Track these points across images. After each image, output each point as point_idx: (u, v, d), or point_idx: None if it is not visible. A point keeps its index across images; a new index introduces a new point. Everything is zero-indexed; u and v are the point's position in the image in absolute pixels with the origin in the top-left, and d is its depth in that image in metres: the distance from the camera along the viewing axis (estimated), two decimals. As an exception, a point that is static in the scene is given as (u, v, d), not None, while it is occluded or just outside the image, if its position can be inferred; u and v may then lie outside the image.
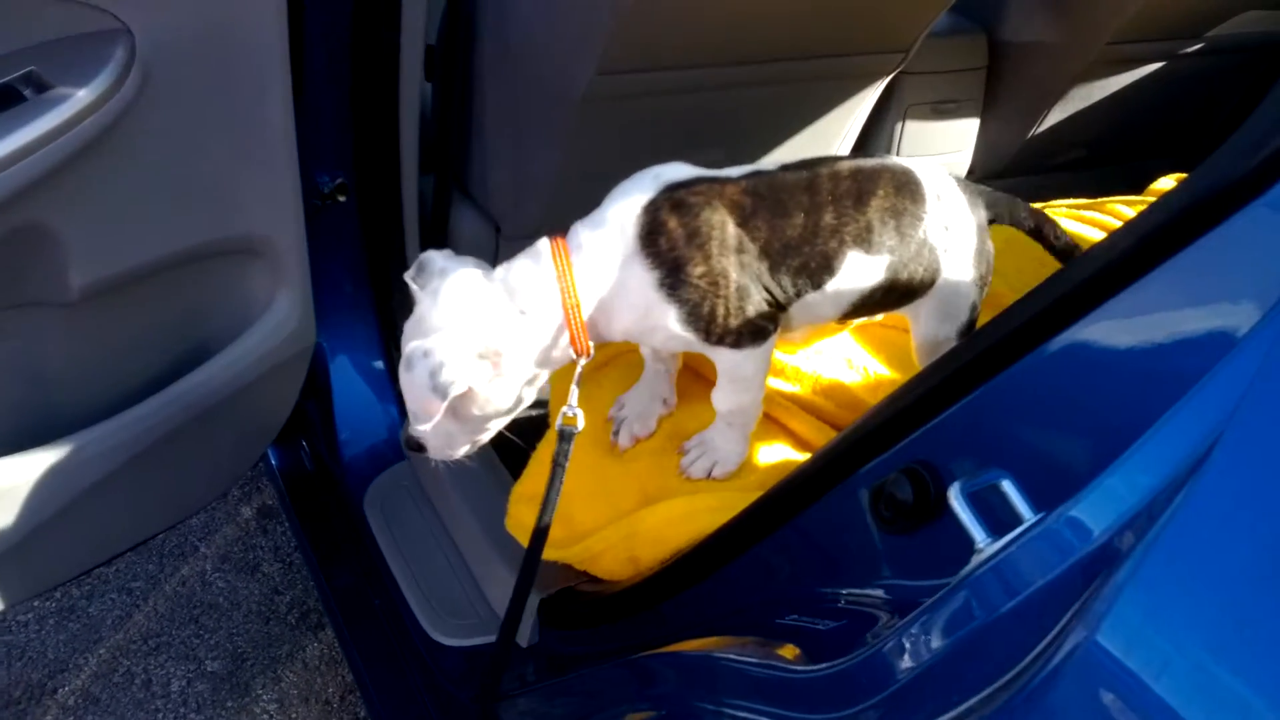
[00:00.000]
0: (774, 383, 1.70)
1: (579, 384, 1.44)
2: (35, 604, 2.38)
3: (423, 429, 1.43)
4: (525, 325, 1.40)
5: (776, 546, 1.27)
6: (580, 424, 1.43)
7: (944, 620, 0.86)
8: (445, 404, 1.32)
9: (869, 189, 1.44)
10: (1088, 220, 2.16)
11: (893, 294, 1.50)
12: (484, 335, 1.37)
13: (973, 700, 0.79)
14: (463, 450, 1.51)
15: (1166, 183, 2.42)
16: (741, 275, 1.37)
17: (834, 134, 2.32)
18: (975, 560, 0.85)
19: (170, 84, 1.51)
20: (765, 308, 1.41)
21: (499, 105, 2.11)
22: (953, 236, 1.50)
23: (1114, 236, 0.90)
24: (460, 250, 2.28)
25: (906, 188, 1.47)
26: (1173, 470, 0.75)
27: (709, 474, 1.56)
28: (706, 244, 1.35)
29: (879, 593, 1.07)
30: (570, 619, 1.69)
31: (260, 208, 1.74)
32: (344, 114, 2.05)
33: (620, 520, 1.57)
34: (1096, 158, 3.05)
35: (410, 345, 1.36)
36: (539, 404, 2.61)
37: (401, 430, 1.43)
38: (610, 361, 1.78)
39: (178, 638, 2.38)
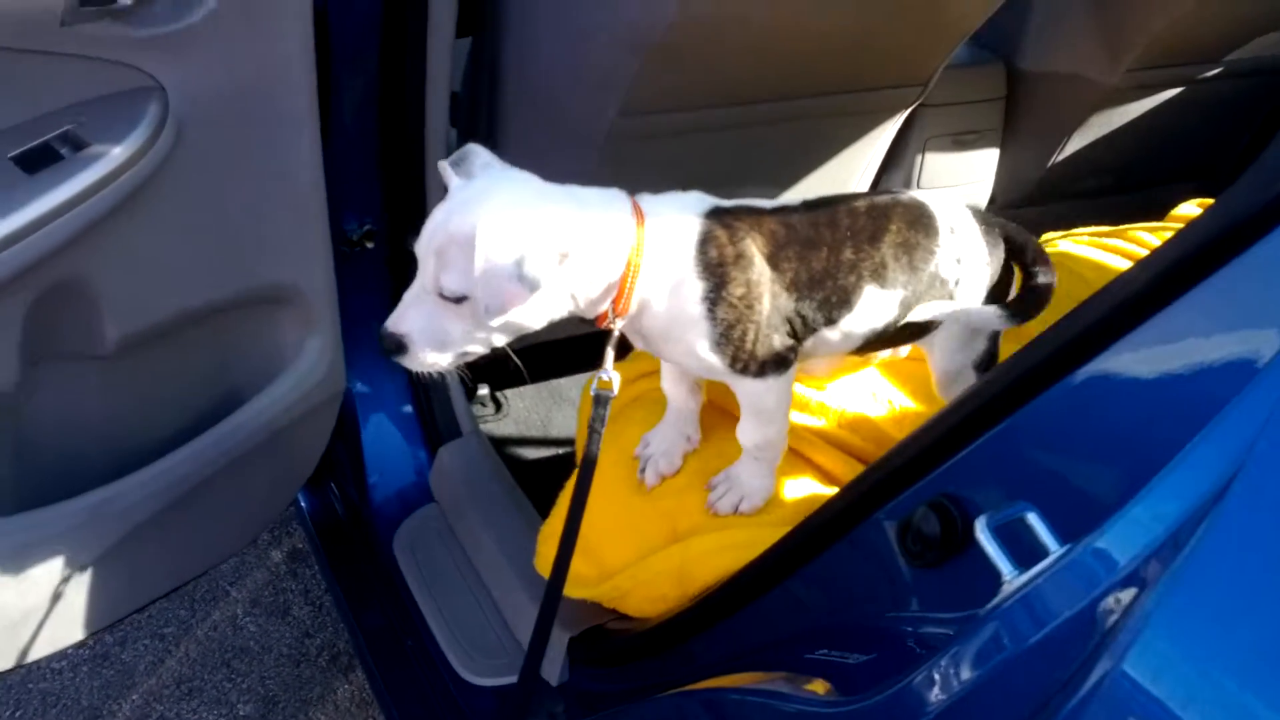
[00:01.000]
0: (799, 418, 1.71)
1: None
2: (69, 651, 2.40)
3: (410, 330, 1.32)
4: (596, 248, 1.32)
5: (805, 581, 1.27)
6: (615, 389, 1.36)
7: (973, 653, 0.87)
8: (531, 297, 1.24)
9: (883, 225, 1.46)
10: (1110, 248, 2.17)
11: (906, 329, 1.51)
12: (563, 236, 1.28)
13: (1004, 732, 0.79)
14: (449, 362, 1.37)
15: (1188, 209, 2.42)
16: (772, 304, 1.39)
17: (854, 168, 2.34)
18: (1003, 593, 0.86)
19: (202, 139, 1.54)
20: (789, 339, 1.43)
21: (523, 148, 2.13)
22: (965, 269, 1.52)
23: (1136, 268, 0.91)
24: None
25: (919, 222, 1.49)
26: (1197, 499, 0.75)
27: (736, 509, 1.57)
28: (749, 269, 1.36)
29: (908, 626, 1.07)
30: (600, 657, 1.69)
31: (290, 256, 1.77)
32: (371, 161, 2.08)
33: (649, 558, 1.58)
34: (1118, 185, 3.05)
35: (486, 224, 1.23)
36: (561, 441, 2.65)
37: (380, 327, 1.35)
38: (635, 400, 1.79)
39: (210, 682, 2.39)
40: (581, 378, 2.73)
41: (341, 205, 2.03)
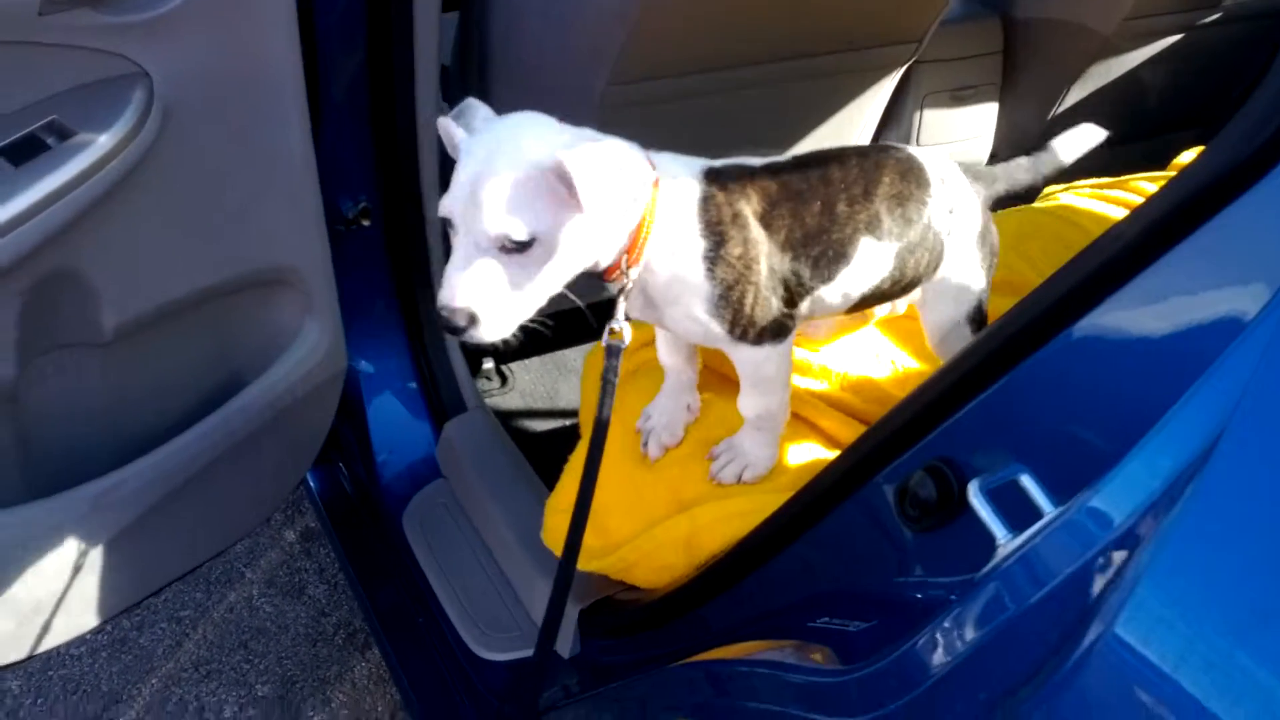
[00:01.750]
0: (802, 381, 1.71)
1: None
2: (88, 637, 2.42)
3: (477, 298, 1.20)
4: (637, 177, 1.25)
5: (808, 546, 1.27)
6: (627, 339, 1.31)
7: (970, 618, 0.86)
8: (633, 194, 1.20)
9: (875, 177, 1.44)
10: (1112, 200, 2.15)
11: (900, 282, 1.50)
12: (625, 153, 1.23)
13: (998, 697, 0.79)
14: (516, 323, 1.26)
15: (1189, 157, 2.40)
16: (769, 264, 1.37)
17: (852, 127, 2.32)
18: (997, 556, 0.86)
19: (190, 123, 1.53)
20: (786, 308, 1.42)
21: (515, 120, 2.12)
22: (957, 220, 1.51)
23: (1124, 223, 0.90)
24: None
25: (911, 173, 1.48)
26: (1190, 454, 0.75)
27: (739, 478, 1.56)
28: (745, 228, 1.35)
29: (908, 592, 1.07)
30: (610, 628, 1.70)
31: (285, 237, 1.77)
32: (363, 138, 2.07)
33: (654, 528, 1.58)
34: (1120, 136, 3.02)
35: (569, 154, 1.15)
36: (567, 413, 2.65)
37: (436, 307, 1.21)
38: (637, 370, 1.79)
39: (228, 664, 2.41)
40: (586, 348, 2.72)
41: (335, 184, 2.02)
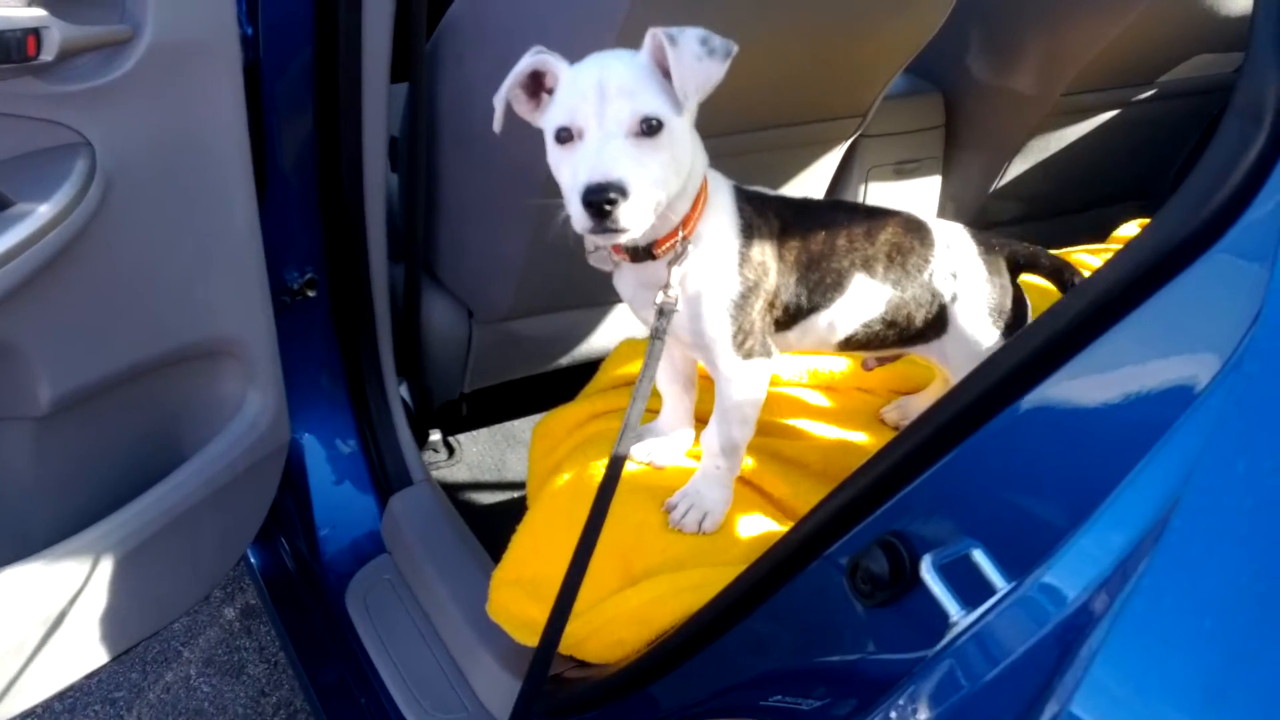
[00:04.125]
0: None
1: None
2: (18, 721, 2.34)
3: (627, 171, 1.24)
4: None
5: (761, 622, 1.26)
6: (681, 306, 1.39)
7: (923, 695, 0.85)
8: (726, 65, 1.26)
9: (879, 224, 1.54)
10: (1054, 272, 2.17)
11: (893, 329, 1.56)
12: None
13: (958, 777, 0.78)
14: (652, 209, 1.29)
15: (1129, 229, 2.45)
16: (776, 279, 1.47)
17: (798, 200, 2.34)
18: (951, 633, 0.85)
19: (133, 193, 1.51)
20: (784, 324, 1.51)
21: (465, 190, 2.12)
22: (962, 285, 1.56)
23: (1071, 296, 0.91)
24: (434, 338, 2.30)
25: (915, 230, 1.57)
26: (1143, 528, 0.75)
27: (700, 527, 1.57)
28: (765, 240, 1.46)
29: (863, 668, 1.05)
30: (559, 707, 1.66)
31: (228, 309, 1.74)
32: (310, 209, 2.06)
33: (604, 602, 1.56)
34: (1060, 208, 3.08)
35: (665, 31, 1.25)
36: (515, 485, 2.62)
37: (585, 186, 1.23)
38: (588, 440, 1.78)
39: (165, 746, 2.33)
40: (535, 418, 2.70)
41: (281, 254, 2.00)
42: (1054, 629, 0.75)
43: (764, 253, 1.45)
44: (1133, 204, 3.09)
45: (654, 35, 1.26)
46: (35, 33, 1.33)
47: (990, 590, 0.86)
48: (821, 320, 1.53)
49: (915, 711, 0.85)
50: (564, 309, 2.35)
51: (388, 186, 2.08)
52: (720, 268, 1.43)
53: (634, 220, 1.26)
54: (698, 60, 1.24)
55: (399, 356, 2.28)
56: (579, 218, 1.25)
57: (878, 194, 2.75)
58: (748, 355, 1.48)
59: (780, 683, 1.16)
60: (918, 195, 2.84)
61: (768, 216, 1.48)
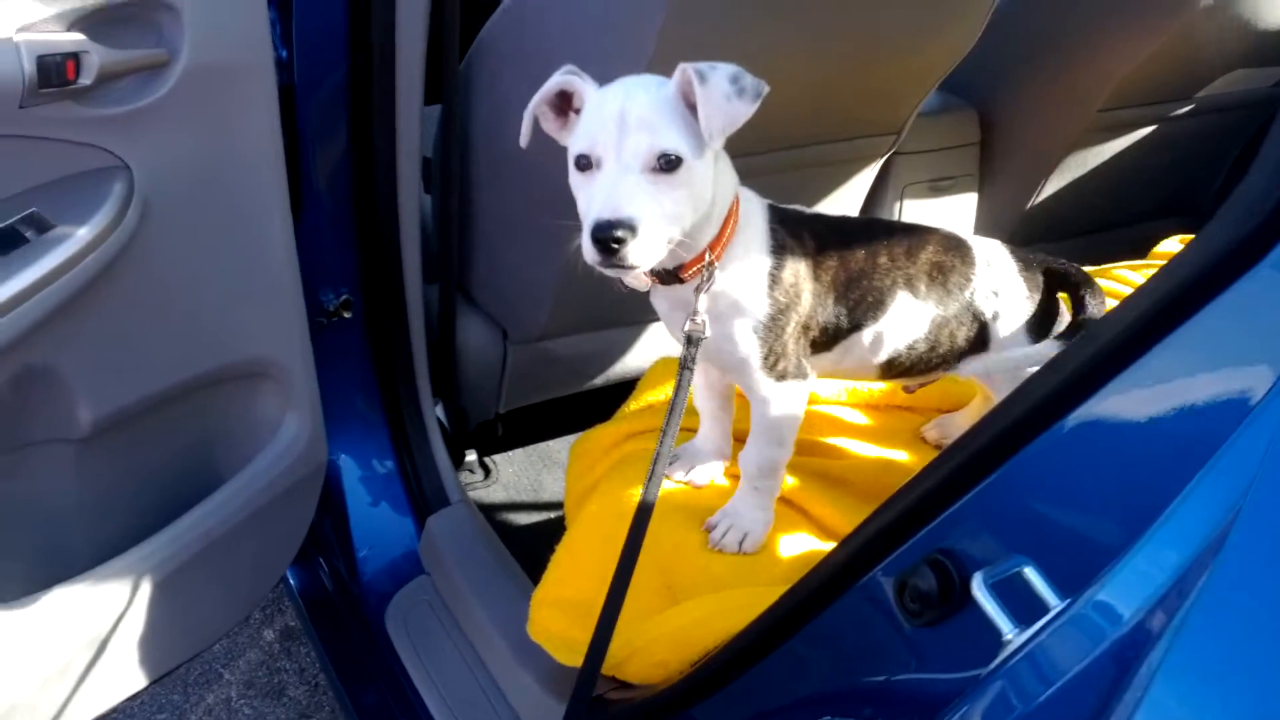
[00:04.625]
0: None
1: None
2: (58, 744, 2.34)
3: (638, 209, 1.22)
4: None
5: (806, 642, 1.24)
6: (708, 332, 1.35)
7: (979, 716, 0.84)
8: (755, 106, 1.23)
9: (919, 243, 1.53)
10: (1094, 288, 2.15)
11: (935, 350, 1.55)
12: None
13: (1014, 799, 0.76)
14: (663, 247, 1.28)
15: (1170, 245, 2.42)
16: (811, 301, 1.45)
17: (833, 218, 2.33)
18: (1004, 652, 0.83)
19: (170, 216, 1.52)
20: (823, 345, 1.50)
21: (499, 211, 2.13)
22: (1003, 303, 1.55)
23: (1119, 310, 0.89)
24: (469, 358, 2.30)
25: (956, 249, 1.55)
26: (1199, 544, 0.73)
27: (740, 546, 1.56)
28: (799, 261, 1.44)
29: (912, 689, 1.04)
30: (599, 729, 1.65)
31: (265, 331, 1.75)
32: (345, 231, 2.07)
33: (646, 623, 1.54)
34: (1098, 224, 3.05)
35: (694, 67, 1.23)
36: (551, 505, 2.61)
37: (595, 223, 1.22)
38: (623, 460, 1.77)
39: (205, 769, 2.33)
40: (571, 439, 2.70)
41: (317, 276, 2.01)
42: (1110, 647, 0.74)
43: (797, 274, 1.43)
44: (1172, 220, 3.06)
45: (683, 71, 1.24)
46: (75, 57, 1.34)
47: (1044, 608, 0.84)
48: (865, 338, 1.51)
49: (971, 731, 0.83)
50: (599, 328, 2.35)
51: (421, 208, 2.09)
52: (749, 290, 1.42)
53: (642, 258, 1.25)
54: (726, 100, 1.22)
55: (434, 377, 2.28)
56: (588, 250, 1.24)
57: (913, 211, 2.73)
58: (780, 377, 1.46)
59: (828, 703, 1.14)
60: (953, 213, 2.82)
61: (802, 237, 1.46)
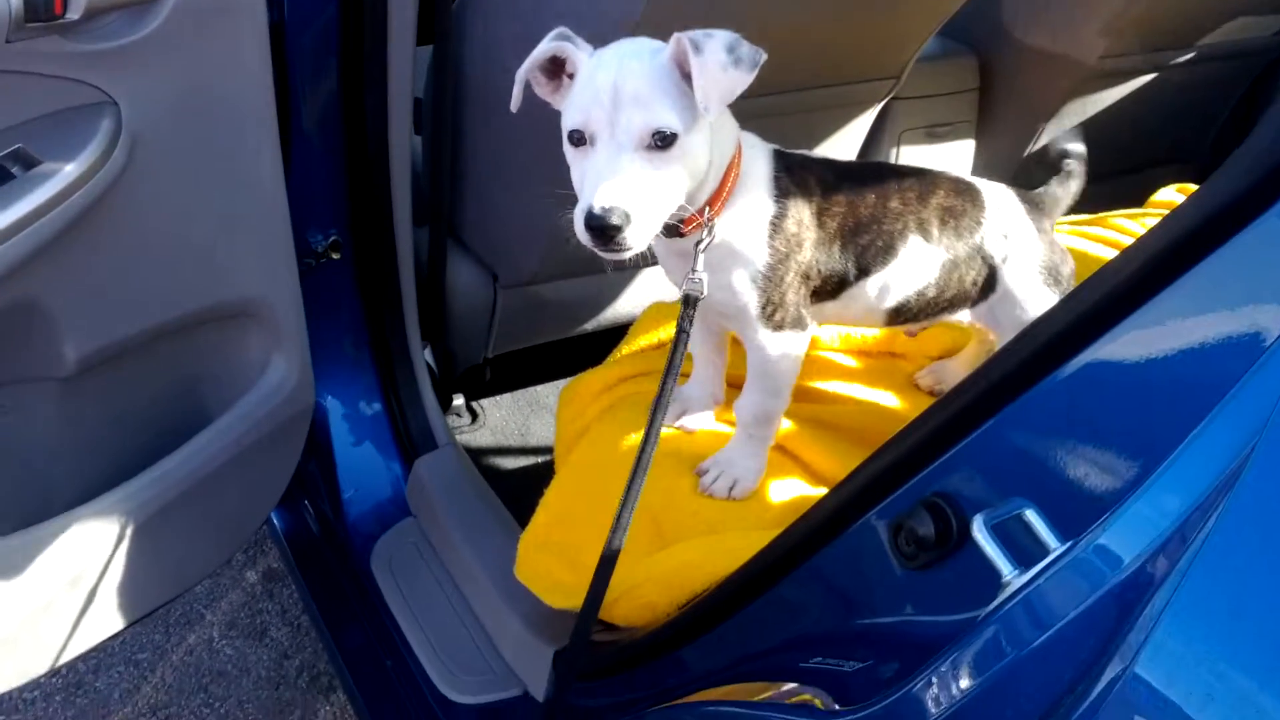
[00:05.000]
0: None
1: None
2: (42, 681, 2.34)
3: (629, 197, 1.19)
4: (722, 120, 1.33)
5: (797, 586, 1.23)
6: (705, 290, 1.31)
7: (974, 657, 0.83)
8: (752, 76, 1.19)
9: (930, 186, 1.51)
10: (1092, 237, 2.14)
11: (943, 295, 1.54)
12: None
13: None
14: (656, 228, 1.26)
15: (1168, 194, 2.40)
16: (813, 251, 1.42)
17: (829, 163, 2.31)
18: (1004, 593, 0.82)
19: (158, 152, 1.49)
20: (828, 294, 1.48)
21: (491, 154, 2.10)
22: (1013, 246, 1.54)
23: (1128, 252, 0.87)
24: (458, 302, 2.28)
25: (966, 193, 1.54)
26: (1205, 489, 0.72)
27: (730, 493, 1.55)
28: (801, 210, 1.40)
29: (905, 631, 1.03)
30: (587, 670, 1.65)
31: (253, 271, 1.73)
32: (335, 171, 2.04)
33: (634, 565, 1.54)
34: (1095, 173, 3.03)
35: (688, 35, 1.18)
36: (539, 450, 2.60)
37: (586, 212, 1.19)
38: (616, 404, 1.76)
39: (187, 708, 2.33)
40: (560, 384, 2.69)
41: (305, 217, 1.98)
42: (1114, 589, 0.73)
43: (800, 223, 1.40)
44: (1170, 169, 3.04)
45: (679, 41, 1.19)
46: (62, -10, 1.31)
47: (1043, 550, 0.83)
48: (870, 288, 1.49)
49: (970, 670, 0.82)
50: (590, 273, 2.32)
51: (412, 150, 2.06)
52: (749, 239, 1.39)
53: (637, 241, 1.22)
54: (722, 70, 1.18)
55: (423, 320, 2.26)
56: (582, 233, 1.21)
57: (910, 158, 2.71)
58: (778, 327, 1.44)
59: (820, 645, 1.14)
60: (951, 159, 2.80)
61: (808, 184, 1.43)
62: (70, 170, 1.39)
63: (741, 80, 1.19)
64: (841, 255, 1.45)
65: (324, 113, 1.98)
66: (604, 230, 1.19)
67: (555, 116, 1.31)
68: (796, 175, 1.42)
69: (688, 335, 1.30)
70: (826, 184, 1.45)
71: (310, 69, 1.92)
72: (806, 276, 1.44)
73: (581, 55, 1.27)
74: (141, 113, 1.46)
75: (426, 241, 2.22)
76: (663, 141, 1.21)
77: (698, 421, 1.69)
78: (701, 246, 1.33)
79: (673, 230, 1.36)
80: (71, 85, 1.40)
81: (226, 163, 1.61)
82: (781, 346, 1.46)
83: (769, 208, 1.39)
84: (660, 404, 1.26)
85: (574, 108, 1.25)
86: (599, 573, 1.27)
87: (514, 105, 1.33)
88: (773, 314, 1.43)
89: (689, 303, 1.31)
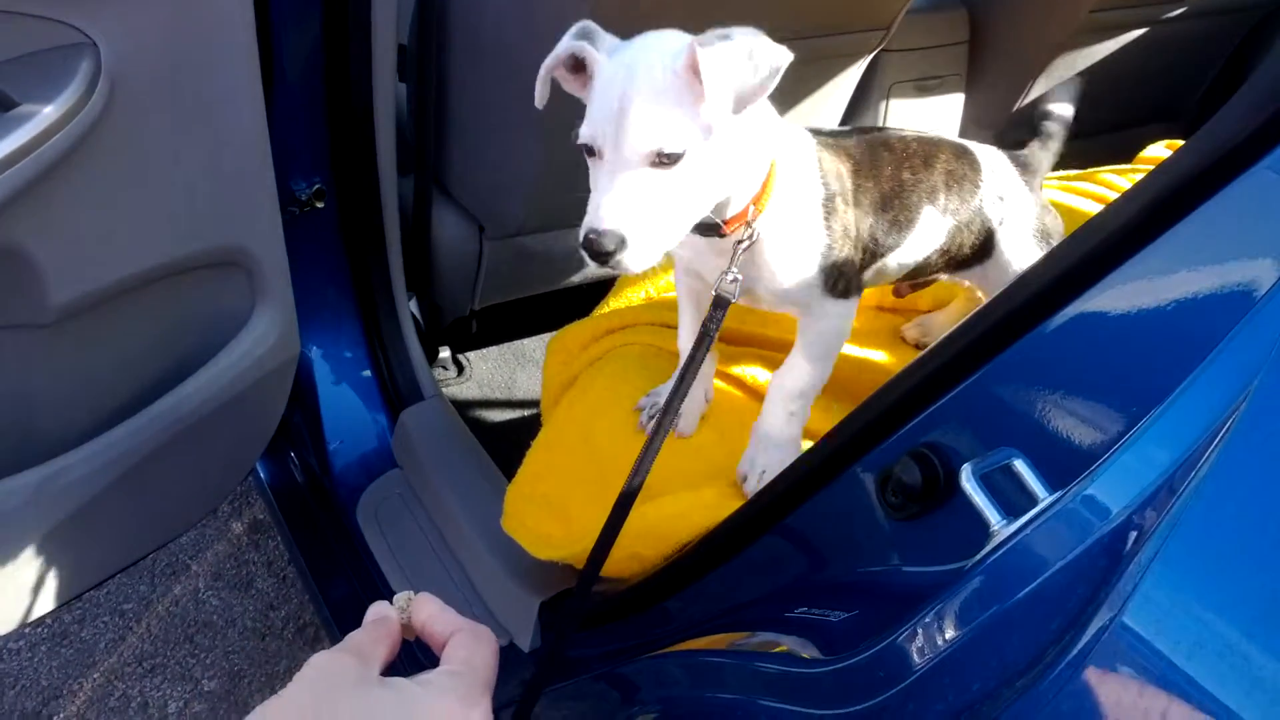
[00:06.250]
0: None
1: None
2: (27, 631, 2.34)
3: (630, 219, 1.15)
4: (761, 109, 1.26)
5: (783, 537, 1.24)
6: (738, 294, 1.27)
7: (960, 606, 0.83)
8: (773, 84, 1.13)
9: (933, 153, 1.50)
10: (1080, 192, 2.13)
11: (945, 256, 1.55)
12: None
13: (994, 687, 0.76)
14: (662, 250, 1.21)
15: (1156, 150, 2.39)
16: (856, 221, 1.40)
17: (819, 114, 2.29)
18: (992, 543, 0.82)
19: (139, 96, 1.47)
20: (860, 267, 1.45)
21: (476, 102, 2.07)
22: (1008, 208, 1.55)
23: (1119, 203, 0.87)
24: (444, 253, 2.27)
25: (964, 157, 1.54)
26: (1194, 441, 0.72)
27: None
28: (845, 184, 1.39)
29: (892, 581, 1.03)
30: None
31: (236, 217, 1.70)
32: (318, 118, 2.01)
33: (620, 517, 1.54)
34: (1084, 128, 3.02)
35: (701, 47, 1.10)
36: (525, 404, 2.60)
37: (586, 231, 1.16)
38: (603, 357, 1.75)
39: (173, 658, 2.34)
40: (545, 337, 2.68)
41: (289, 165, 1.96)
42: (1102, 539, 0.73)
43: (845, 201, 1.37)
44: (1159, 125, 3.03)
45: (692, 48, 1.11)
46: (38, -74, 1.28)
47: (1032, 500, 0.83)
48: (892, 261, 1.49)
49: (956, 619, 0.82)
50: (578, 225, 2.30)
51: (397, 97, 2.03)
52: (804, 229, 1.34)
53: (636, 264, 1.17)
54: (736, 81, 1.11)
55: (409, 271, 2.24)
56: (583, 252, 1.18)
57: (899, 111, 2.69)
58: (845, 294, 1.41)
59: (805, 596, 1.14)
60: (939, 113, 2.78)
61: (841, 160, 1.40)
62: (49, 112, 1.36)
63: (758, 92, 1.13)
64: (873, 228, 1.43)
65: (307, 58, 1.96)
66: (599, 253, 1.16)
67: (539, 64, 1.27)
68: (831, 152, 1.39)
69: (712, 339, 1.27)
70: (854, 160, 1.41)
71: (293, 13, 1.90)
72: (860, 247, 1.42)
73: (600, 57, 1.19)
74: (121, 55, 1.43)
75: (412, 192, 2.20)
76: (669, 159, 1.16)
77: (691, 424, 1.65)
78: (742, 247, 1.29)
79: (711, 228, 1.31)
80: (48, 25, 1.37)
81: (208, 108, 1.58)
82: (843, 311, 1.43)
83: (820, 190, 1.35)
84: (671, 408, 1.24)
85: (587, 119, 1.20)
86: (603, 536, 1.26)
87: (539, 102, 1.26)
88: (836, 284, 1.39)
89: (719, 304, 1.27)
